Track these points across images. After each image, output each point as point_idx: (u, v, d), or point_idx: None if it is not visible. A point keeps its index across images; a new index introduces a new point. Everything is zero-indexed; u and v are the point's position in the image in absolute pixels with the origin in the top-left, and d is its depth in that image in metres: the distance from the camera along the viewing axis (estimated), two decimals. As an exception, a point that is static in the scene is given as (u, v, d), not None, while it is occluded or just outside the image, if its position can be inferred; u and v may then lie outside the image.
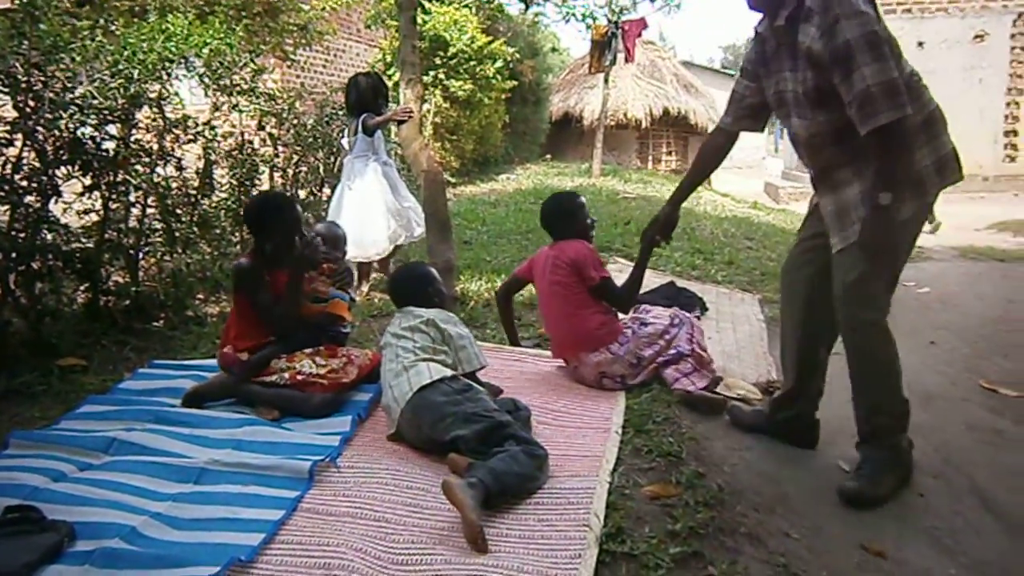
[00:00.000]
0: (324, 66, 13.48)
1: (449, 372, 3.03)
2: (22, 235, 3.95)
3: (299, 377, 3.23)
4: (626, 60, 13.26)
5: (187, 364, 3.78)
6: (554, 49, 21.61)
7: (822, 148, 2.98)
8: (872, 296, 2.94)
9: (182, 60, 4.79)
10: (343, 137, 5.61)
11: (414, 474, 2.73)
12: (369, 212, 5.25)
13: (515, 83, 13.10)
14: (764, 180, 20.35)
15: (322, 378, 3.23)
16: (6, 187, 3.84)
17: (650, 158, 19.14)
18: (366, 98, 5.29)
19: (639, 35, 12.25)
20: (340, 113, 7.63)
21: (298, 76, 12.22)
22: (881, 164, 2.74)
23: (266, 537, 2.30)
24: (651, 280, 5.52)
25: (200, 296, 5.14)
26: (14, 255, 3.91)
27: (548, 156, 16.84)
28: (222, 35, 5.17)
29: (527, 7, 11.44)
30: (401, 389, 2.95)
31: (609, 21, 12.39)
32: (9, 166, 3.88)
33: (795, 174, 20.27)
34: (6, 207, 3.89)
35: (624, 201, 10.36)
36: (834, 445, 3.40)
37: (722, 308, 5.36)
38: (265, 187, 6.19)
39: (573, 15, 13.36)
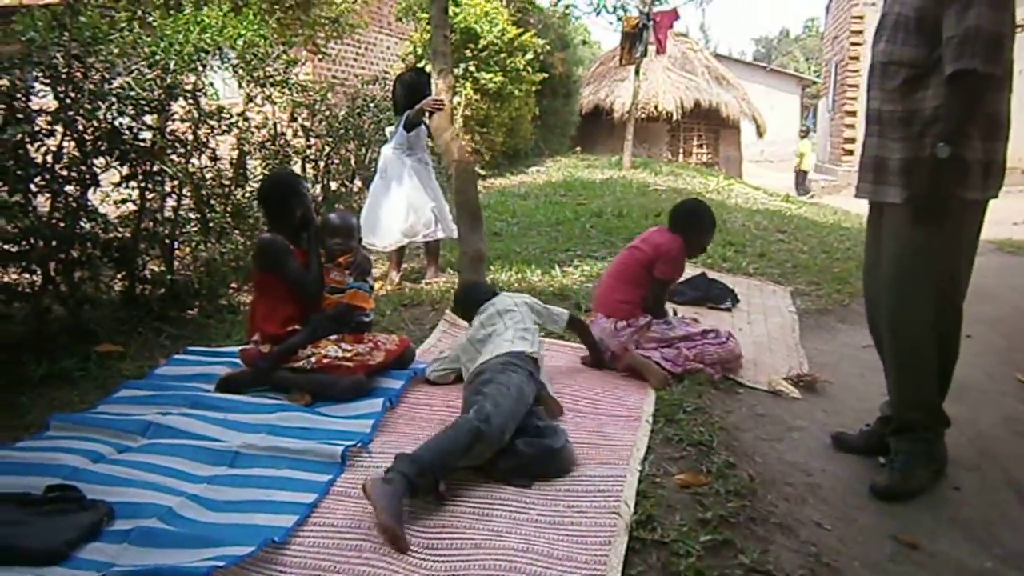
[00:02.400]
0: (355, 59, 13.54)
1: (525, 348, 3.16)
2: (62, 224, 4.02)
3: (325, 361, 3.30)
4: (657, 52, 13.16)
5: (221, 351, 3.84)
6: (584, 42, 21.53)
7: (892, 78, 2.84)
8: (920, 267, 2.84)
9: (217, 51, 4.84)
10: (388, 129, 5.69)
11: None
12: (389, 204, 5.30)
13: (545, 75, 13.05)
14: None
15: (348, 361, 3.29)
16: (47, 176, 3.92)
17: (681, 151, 19.03)
18: (408, 95, 5.35)
19: (671, 26, 12.15)
20: (371, 105, 7.68)
21: (329, 69, 12.28)
22: (948, 114, 2.65)
23: (299, 519, 2.34)
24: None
25: (234, 285, 5.21)
26: (54, 243, 3.99)
27: (578, 149, 16.78)
28: (255, 27, 5.22)
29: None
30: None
31: (640, 12, 12.30)
32: (50, 155, 3.96)
33: (828, 167, 20.07)
34: (47, 196, 3.96)
35: (655, 193, 10.29)
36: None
37: (753, 300, 5.32)
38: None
39: (604, 7, 13.29)
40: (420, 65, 10.66)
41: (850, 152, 18.34)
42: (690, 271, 5.59)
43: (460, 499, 2.50)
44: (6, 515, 2.23)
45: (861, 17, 17.92)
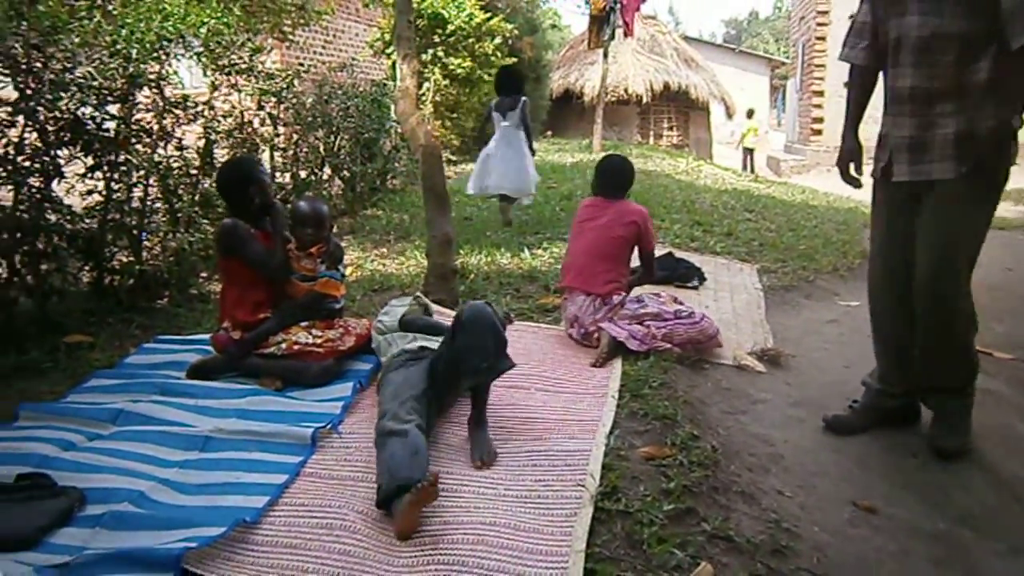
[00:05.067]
0: (324, 47, 13.42)
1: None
2: (26, 215, 4.00)
3: (296, 347, 3.33)
4: (625, 35, 13.19)
5: (191, 339, 3.85)
6: (554, 26, 21.53)
7: (940, 53, 2.74)
8: (971, 243, 2.88)
9: (180, 39, 4.80)
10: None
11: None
12: (527, 161, 6.76)
13: (514, 60, 13.04)
14: (767, 154, 20.33)
15: (318, 347, 3.32)
16: (9, 167, 3.89)
17: (651, 133, 19.12)
18: (512, 85, 6.90)
19: (637, 9, 12.18)
20: (339, 92, 7.67)
21: (297, 57, 12.16)
22: (1020, 85, 2.68)
23: (270, 500, 2.38)
24: (649, 251, 5.57)
25: (204, 274, 5.20)
26: (18, 235, 3.97)
27: (549, 133, 16.81)
28: (219, 14, 5.19)
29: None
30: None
31: (608, -4, 12.33)
32: (11, 147, 3.92)
33: (797, 147, 20.27)
34: (9, 188, 3.93)
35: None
36: (827, 407, 3.46)
37: (720, 278, 5.40)
38: (267, 167, 6.22)
39: (572, -10, 13.24)
40: (387, 51, 10.64)
41: (819, 132, 18.53)
42: (657, 251, 5.65)
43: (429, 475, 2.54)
44: (-24, 504, 2.25)
45: (827, -2, 18.06)
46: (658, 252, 5.54)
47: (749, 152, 18.17)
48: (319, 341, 3.36)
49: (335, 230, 6.73)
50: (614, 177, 4.17)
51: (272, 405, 3.05)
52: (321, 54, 13.05)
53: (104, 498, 2.35)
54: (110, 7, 4.79)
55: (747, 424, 3.25)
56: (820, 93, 18.42)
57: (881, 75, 3.09)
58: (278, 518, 2.31)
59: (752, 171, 16.78)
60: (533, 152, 6.95)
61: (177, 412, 2.96)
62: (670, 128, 19.36)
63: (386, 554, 2.15)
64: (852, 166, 3.19)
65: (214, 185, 5.30)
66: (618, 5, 11.77)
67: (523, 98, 6.81)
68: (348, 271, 5.25)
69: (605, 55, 12.65)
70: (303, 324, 3.44)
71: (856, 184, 3.22)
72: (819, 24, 18.22)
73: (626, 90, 17.22)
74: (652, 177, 10.11)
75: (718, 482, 2.64)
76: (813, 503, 2.70)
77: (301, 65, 7.74)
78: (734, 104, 19.52)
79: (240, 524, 2.21)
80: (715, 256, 6.03)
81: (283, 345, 3.33)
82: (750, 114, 18.81)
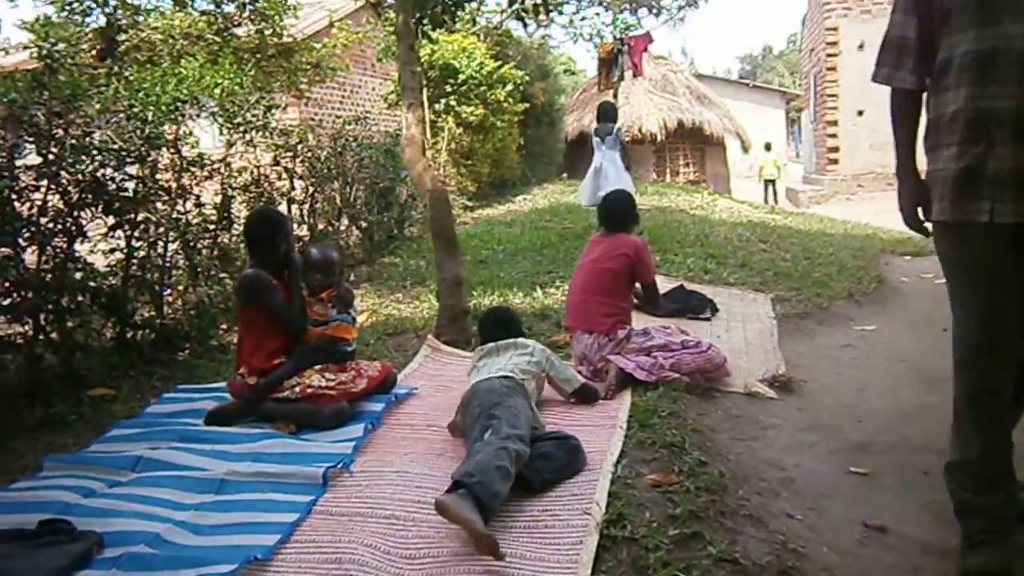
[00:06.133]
0: (341, 102, 13.77)
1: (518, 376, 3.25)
2: (50, 275, 4.15)
3: (309, 390, 3.40)
4: (634, 75, 13.41)
5: (209, 387, 3.95)
6: (569, 71, 21.83)
7: None
8: None
9: (194, 101, 4.99)
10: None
11: (424, 475, 2.84)
12: (624, 182, 8.18)
13: (527, 105, 13.29)
14: (785, 186, 20.33)
15: (331, 390, 3.39)
16: (33, 229, 4.04)
17: (668, 170, 19.24)
18: (611, 115, 9.07)
19: (645, 49, 12.39)
20: (353, 144, 7.87)
21: (316, 113, 12.50)
22: None
23: (282, 538, 2.43)
24: (661, 284, 5.60)
25: (224, 326, 5.31)
26: (43, 293, 4.11)
27: (564, 175, 16.99)
28: (232, 75, 5.38)
29: (525, 25, 11.65)
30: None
31: (615, 38, 12.56)
32: (36, 210, 4.09)
33: (814, 178, 20.26)
34: (34, 249, 4.09)
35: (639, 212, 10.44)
36: (839, 430, 3.46)
37: (733, 308, 5.42)
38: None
39: (580, 35, 13.54)
40: (400, 103, 10.87)
41: (835, 161, 18.56)
42: (669, 284, 5.70)
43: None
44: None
45: (835, 29, 18.20)
46: (670, 285, 5.61)
47: (770, 184, 18.20)
48: (332, 384, 3.44)
49: (352, 278, 6.88)
50: (609, 211, 4.26)
51: (286, 447, 3.12)
52: (339, 109, 13.38)
53: (122, 541, 2.41)
54: (127, 73, 5.00)
55: (757, 450, 3.25)
56: (834, 123, 18.48)
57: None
58: (289, 555, 2.36)
59: (776, 202, 16.81)
60: (628, 168, 8.75)
61: (194, 457, 3.04)
62: (686, 164, 19.49)
63: (394, 585, 2.19)
64: (920, 210, 2.61)
65: (232, 239, 5.47)
66: (626, 47, 11.99)
67: (616, 126, 8.80)
68: (363, 317, 5.35)
69: (615, 96, 12.84)
70: (316, 368, 3.52)
71: (925, 232, 2.64)
72: (829, 55, 18.35)
73: (640, 129, 17.38)
74: (666, 213, 10.17)
75: (725, 507, 2.65)
76: (823, 525, 2.70)
77: (321, 121, 7.98)
78: (749, 139, 19.62)
79: (251, 561, 2.26)
80: (728, 287, 6.05)
81: (297, 389, 3.41)
82: (768, 147, 18.90)
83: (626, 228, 4.21)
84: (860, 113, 17.51)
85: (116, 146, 4.43)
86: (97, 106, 4.43)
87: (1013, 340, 2.39)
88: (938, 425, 3.39)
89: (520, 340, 3.56)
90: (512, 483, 2.56)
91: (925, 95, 2.54)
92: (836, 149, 18.51)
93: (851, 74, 17.28)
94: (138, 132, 4.55)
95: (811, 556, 2.45)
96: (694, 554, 2.36)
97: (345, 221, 7.97)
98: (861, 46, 16.98)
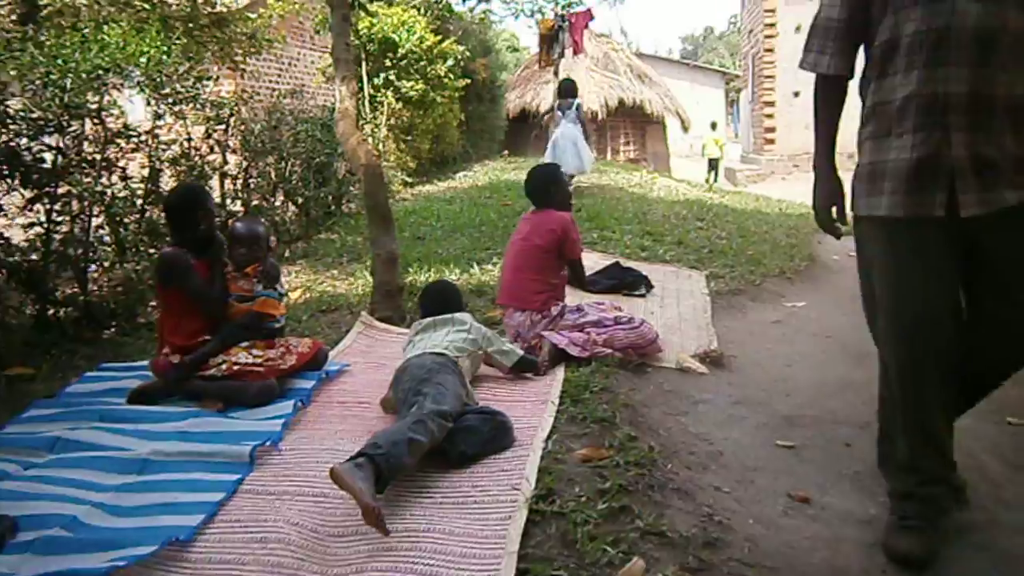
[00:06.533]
0: (279, 75, 13.44)
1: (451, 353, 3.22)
2: (-37, 250, 3.97)
3: (236, 368, 3.33)
4: (574, 53, 13.36)
5: (133, 366, 3.82)
6: (513, 48, 21.71)
7: (1010, 51, 2.12)
8: None
9: (118, 69, 4.80)
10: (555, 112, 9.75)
11: (355, 451, 2.79)
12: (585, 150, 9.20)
13: (468, 81, 13.16)
14: (724, 166, 20.61)
15: (259, 367, 3.33)
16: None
17: (608, 148, 19.33)
18: (570, 91, 9.73)
19: (585, 27, 12.32)
20: (288, 117, 7.70)
21: (253, 86, 12.18)
22: None
23: (205, 518, 2.37)
24: (597, 261, 5.64)
25: (152, 303, 5.16)
26: (-45, 269, 3.94)
27: (505, 152, 16.93)
28: (159, 44, 5.20)
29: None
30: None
31: (556, 15, 12.49)
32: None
33: (752, 157, 20.61)
34: (-55, 222, 3.91)
35: (577, 190, 10.47)
36: (767, 405, 3.53)
37: (668, 285, 5.48)
38: (216, 194, 6.23)
39: (521, 11, 13.45)
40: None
41: (771, 141, 18.91)
42: (604, 261, 5.73)
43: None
44: (-96, 536, 2.23)
45: (773, 10, 18.46)
46: (606, 262, 5.64)
47: (713, 163, 18.41)
48: (259, 361, 3.37)
49: (287, 255, 6.75)
50: (533, 185, 4.23)
51: (212, 426, 3.05)
52: (277, 82, 13.06)
53: (37, 525, 2.32)
54: (43, 38, 4.78)
55: (688, 424, 3.30)
56: (771, 103, 18.80)
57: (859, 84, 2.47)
58: (213, 535, 2.31)
59: (716, 181, 17.02)
60: (587, 138, 9.43)
61: (116, 437, 2.95)
62: (626, 143, 19.62)
63: (320, 564, 2.17)
64: (835, 209, 2.51)
65: (160, 214, 5.31)
66: (567, 24, 11.93)
67: (577, 101, 9.53)
68: (297, 293, 5.26)
69: (555, 73, 12.79)
70: (243, 345, 3.44)
71: (837, 233, 2.53)
72: (767, 36, 18.62)
73: (581, 107, 17.39)
74: (605, 191, 10.24)
75: (654, 480, 2.67)
76: (749, 497, 2.75)
77: (257, 94, 7.76)
78: (689, 118, 19.81)
79: (173, 542, 2.20)
80: (664, 264, 6.11)
81: (223, 366, 3.33)
82: (714, 126, 19.10)
83: (553, 203, 4.15)
84: (796, 94, 17.82)
85: (34, 115, 4.25)
86: (13, 72, 4.23)
87: (948, 346, 2.27)
88: (860, 400, 3.50)
89: (458, 316, 3.54)
90: (428, 456, 2.59)
91: (857, 81, 2.43)
92: (773, 129, 18.85)
93: (788, 56, 17.53)
94: (57, 101, 4.37)
95: (736, 528, 2.49)
96: (622, 527, 2.38)
97: (280, 196, 7.80)
98: (798, 28, 17.23)
